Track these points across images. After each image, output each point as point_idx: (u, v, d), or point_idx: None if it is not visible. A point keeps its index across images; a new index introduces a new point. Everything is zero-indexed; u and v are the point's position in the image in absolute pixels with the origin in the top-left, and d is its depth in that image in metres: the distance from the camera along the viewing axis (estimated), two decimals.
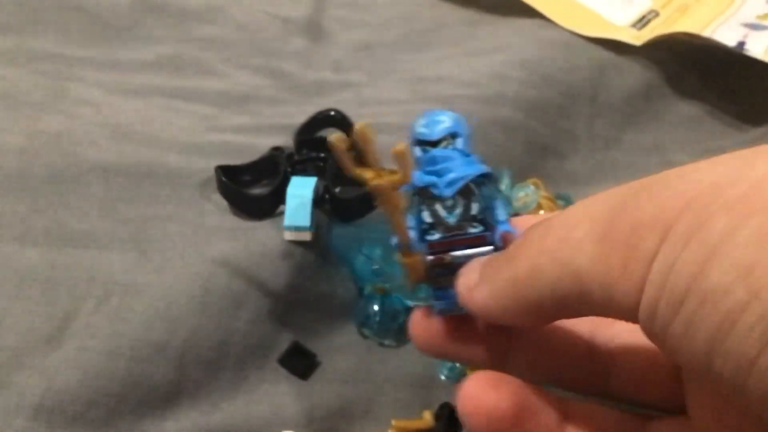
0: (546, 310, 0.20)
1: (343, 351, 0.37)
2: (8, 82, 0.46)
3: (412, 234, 0.23)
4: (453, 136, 0.23)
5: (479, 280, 0.21)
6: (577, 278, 0.18)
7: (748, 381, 0.15)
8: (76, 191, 0.39)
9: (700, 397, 0.21)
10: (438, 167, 0.22)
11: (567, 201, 0.43)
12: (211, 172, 0.40)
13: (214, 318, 0.35)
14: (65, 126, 0.42)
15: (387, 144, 0.45)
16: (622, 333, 0.24)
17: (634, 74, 0.53)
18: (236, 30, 0.54)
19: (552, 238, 0.19)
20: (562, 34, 0.54)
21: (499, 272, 0.21)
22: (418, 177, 0.22)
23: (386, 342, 0.37)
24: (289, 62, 0.52)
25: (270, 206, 0.39)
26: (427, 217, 0.23)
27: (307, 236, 0.37)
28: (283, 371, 0.35)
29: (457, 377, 0.35)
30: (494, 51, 0.53)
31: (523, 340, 0.24)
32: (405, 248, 0.22)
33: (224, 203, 0.39)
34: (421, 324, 0.24)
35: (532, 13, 0.56)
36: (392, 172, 0.19)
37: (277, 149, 0.41)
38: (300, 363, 0.35)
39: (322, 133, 0.44)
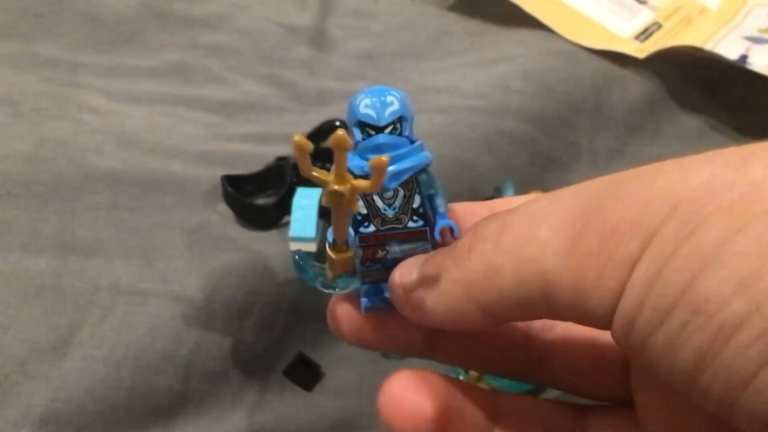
0: (501, 314, 0.18)
1: (347, 362, 0.37)
2: (14, 88, 0.46)
3: (351, 233, 0.20)
4: (400, 120, 0.20)
5: (418, 281, 0.19)
6: (543, 282, 0.16)
7: (738, 401, 0.14)
8: (82, 199, 0.39)
9: (651, 396, 0.20)
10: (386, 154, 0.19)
11: None
12: (217, 181, 0.40)
13: (219, 329, 0.35)
14: (71, 133, 0.42)
15: None
16: (560, 323, 0.23)
17: (637, 87, 0.53)
18: (242, 38, 0.54)
19: (512, 235, 0.17)
20: (566, 45, 0.55)
21: (445, 272, 0.19)
22: (357, 164, 0.20)
23: (390, 354, 0.37)
24: (294, 70, 0.52)
25: (275, 217, 0.39)
26: (362, 208, 0.20)
27: (312, 247, 0.37)
28: (287, 382, 0.35)
29: None
30: (498, 62, 0.53)
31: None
32: (340, 246, 0.20)
33: (229, 213, 0.39)
34: (344, 314, 0.22)
35: (535, 24, 0.57)
36: (359, 181, 0.17)
37: (282, 159, 0.42)
38: (304, 374, 0.36)
39: (327, 143, 0.45)
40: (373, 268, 0.21)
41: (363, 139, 0.20)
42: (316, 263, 0.21)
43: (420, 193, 0.21)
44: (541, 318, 0.18)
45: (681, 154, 0.16)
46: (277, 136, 0.45)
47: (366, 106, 0.20)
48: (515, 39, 0.56)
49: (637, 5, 0.60)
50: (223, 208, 0.39)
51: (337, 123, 0.44)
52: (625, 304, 0.15)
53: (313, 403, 0.35)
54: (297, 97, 0.50)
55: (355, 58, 0.55)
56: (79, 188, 0.39)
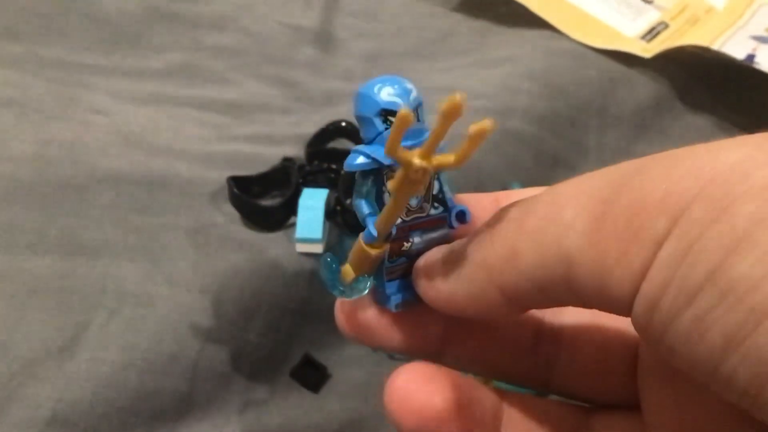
0: (522, 298, 0.18)
1: (354, 364, 0.37)
2: (19, 90, 0.46)
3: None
4: (419, 107, 0.20)
5: (442, 266, 0.19)
6: (565, 263, 0.16)
7: (764, 390, 0.14)
8: (87, 200, 0.39)
9: (659, 396, 0.20)
10: (409, 144, 0.19)
11: None
12: (223, 182, 0.40)
13: (226, 330, 0.35)
14: (77, 134, 0.42)
15: None
16: (570, 322, 0.22)
17: (644, 86, 0.53)
18: (247, 39, 0.54)
19: (535, 217, 0.17)
20: (572, 45, 0.54)
21: (467, 257, 0.18)
22: (382, 153, 0.18)
23: (397, 355, 0.37)
24: (300, 71, 0.52)
25: (281, 218, 0.39)
26: (388, 200, 0.19)
27: (318, 248, 0.37)
28: (294, 383, 0.35)
29: None
30: (504, 62, 0.53)
31: (462, 330, 0.22)
32: (382, 239, 0.19)
33: (236, 214, 0.39)
34: (350, 312, 0.21)
35: (541, 24, 0.56)
36: (443, 156, 0.16)
37: (288, 160, 0.41)
38: (311, 375, 0.35)
39: (333, 144, 0.44)
40: (399, 263, 0.20)
41: (386, 128, 0.19)
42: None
43: (438, 179, 0.20)
44: (561, 304, 0.18)
45: None
46: (282, 136, 0.45)
47: (389, 94, 0.19)
48: (521, 39, 0.56)
49: (643, 5, 0.60)
50: (229, 209, 0.39)
51: (343, 123, 0.44)
52: (649, 285, 0.15)
53: (319, 405, 0.35)
54: (302, 98, 0.50)
55: (361, 58, 0.55)
56: (84, 189, 0.39)
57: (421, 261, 0.20)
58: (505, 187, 0.44)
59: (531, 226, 0.17)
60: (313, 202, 0.38)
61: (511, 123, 0.47)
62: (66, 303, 0.34)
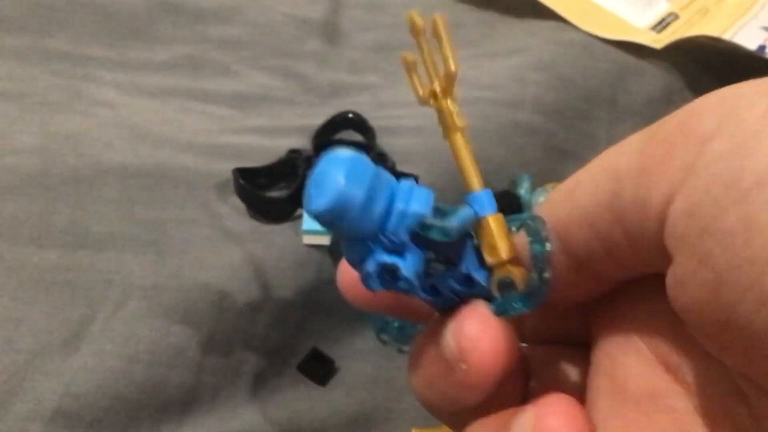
0: (575, 238, 0.17)
1: (361, 357, 0.36)
2: (24, 82, 0.45)
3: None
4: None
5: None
6: (614, 181, 0.16)
7: None
8: (93, 193, 0.38)
9: (615, 341, 0.19)
10: (415, 209, 0.16)
11: None
12: (229, 174, 0.40)
13: (232, 323, 0.34)
14: (82, 127, 0.42)
15: (404, 146, 0.44)
16: None
17: (654, 78, 0.52)
18: (253, 30, 0.53)
19: (596, 159, 0.17)
20: (581, 36, 0.54)
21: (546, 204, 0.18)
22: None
23: (405, 348, 0.36)
24: (306, 63, 0.52)
25: (288, 209, 0.39)
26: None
27: (325, 240, 0.37)
28: (301, 377, 0.35)
29: None
30: (512, 53, 0.52)
31: None
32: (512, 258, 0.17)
33: (242, 206, 0.39)
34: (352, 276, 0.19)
35: (550, 14, 0.56)
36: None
37: (294, 152, 0.41)
38: (318, 369, 0.35)
39: (340, 135, 0.44)
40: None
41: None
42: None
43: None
44: (609, 246, 0.17)
45: None
46: (288, 128, 0.45)
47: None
48: (530, 30, 0.55)
49: None
50: (236, 201, 0.39)
51: (350, 115, 0.44)
52: (694, 180, 0.14)
53: (327, 398, 0.35)
54: (309, 90, 0.50)
55: (367, 50, 0.54)
56: (90, 182, 0.39)
57: None
58: (514, 179, 0.43)
59: (591, 164, 0.17)
60: None
61: (520, 115, 0.47)
62: (71, 296, 0.34)
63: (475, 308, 0.18)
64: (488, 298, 0.18)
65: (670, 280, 0.15)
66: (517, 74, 0.49)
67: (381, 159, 0.41)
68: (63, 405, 0.31)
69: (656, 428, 0.17)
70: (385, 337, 0.37)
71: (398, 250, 0.16)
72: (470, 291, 0.18)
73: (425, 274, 0.17)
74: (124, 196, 0.39)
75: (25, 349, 0.32)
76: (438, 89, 0.16)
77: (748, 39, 0.54)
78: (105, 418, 0.31)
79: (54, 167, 0.39)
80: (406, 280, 0.16)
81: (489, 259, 0.17)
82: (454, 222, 0.16)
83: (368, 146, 0.42)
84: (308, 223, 0.37)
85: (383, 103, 0.48)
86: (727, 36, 0.54)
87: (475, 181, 0.17)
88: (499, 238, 0.17)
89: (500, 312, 0.17)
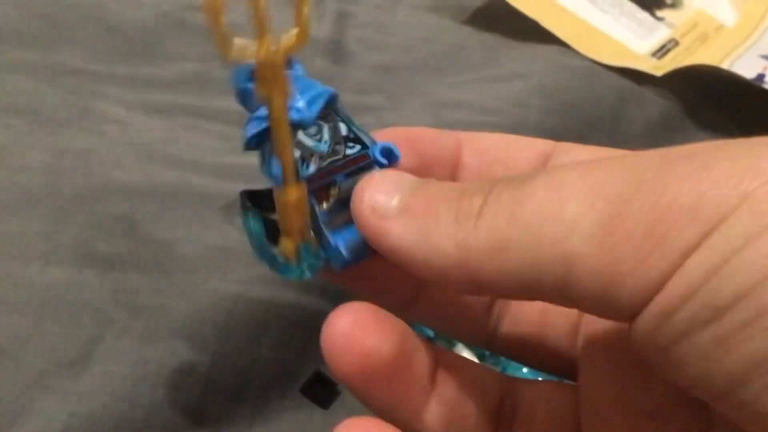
0: (495, 291, 0.16)
1: None
2: (33, 98, 0.46)
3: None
4: (289, 63, 0.19)
5: (400, 210, 0.17)
6: (563, 267, 0.14)
7: None
8: (101, 211, 0.39)
9: (599, 368, 0.19)
10: (305, 99, 0.19)
11: None
12: (235, 194, 0.40)
13: (237, 345, 0.35)
14: (90, 145, 0.42)
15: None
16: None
17: (654, 104, 0.53)
18: None
19: (531, 208, 0.15)
20: (583, 61, 0.55)
21: (441, 224, 0.16)
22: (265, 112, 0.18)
23: None
24: None
25: None
26: (294, 152, 0.19)
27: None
28: (304, 400, 0.35)
29: None
30: (515, 77, 0.53)
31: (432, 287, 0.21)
32: (290, 175, 0.18)
33: None
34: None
35: (553, 39, 0.56)
36: (285, 37, 0.15)
37: None
38: (321, 392, 0.35)
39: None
40: (337, 212, 0.19)
41: None
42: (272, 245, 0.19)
43: (344, 121, 0.20)
44: (537, 300, 0.16)
45: None
46: None
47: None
48: (532, 54, 0.56)
49: (654, 22, 0.60)
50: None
51: None
52: (666, 296, 0.14)
53: (330, 422, 0.35)
54: None
55: (372, 70, 0.55)
56: (98, 200, 0.39)
57: (366, 190, 0.18)
58: None
59: (525, 218, 0.15)
60: None
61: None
62: (79, 315, 0.34)
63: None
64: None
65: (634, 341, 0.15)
66: (520, 99, 0.50)
67: None
68: (70, 425, 0.31)
69: None
70: None
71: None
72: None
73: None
74: (131, 215, 0.39)
75: (32, 368, 0.33)
76: (279, 51, 0.16)
77: (747, 67, 0.55)
78: None
79: (63, 185, 0.39)
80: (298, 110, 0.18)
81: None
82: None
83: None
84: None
85: (387, 125, 0.48)
86: (726, 64, 0.55)
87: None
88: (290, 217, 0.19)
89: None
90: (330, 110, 0.20)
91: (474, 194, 0.17)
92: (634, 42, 0.58)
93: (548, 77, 0.52)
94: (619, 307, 0.14)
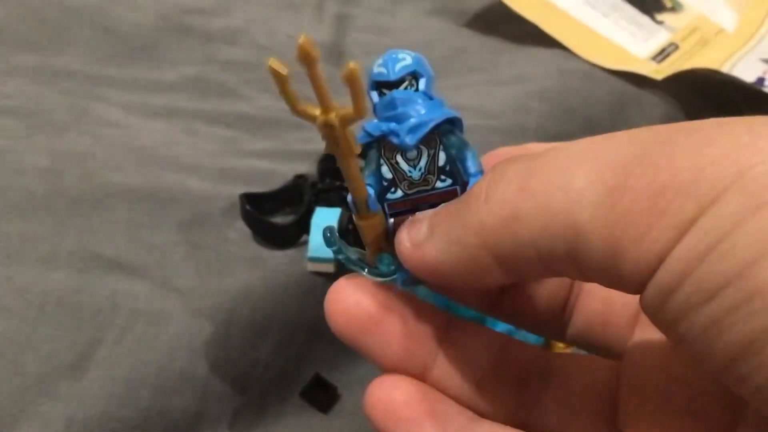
0: (519, 268, 0.16)
1: (363, 383, 0.36)
2: (32, 101, 0.46)
3: (371, 191, 0.19)
4: (414, 76, 0.19)
5: (429, 231, 0.18)
6: (572, 235, 0.15)
7: None
8: (100, 215, 0.39)
9: (648, 342, 0.20)
10: (398, 112, 0.19)
11: None
12: (235, 198, 0.40)
13: (237, 349, 0.35)
14: (89, 148, 0.42)
15: None
16: None
17: (654, 108, 0.53)
18: (259, 53, 0.54)
19: (540, 179, 0.15)
20: (583, 65, 0.55)
21: (459, 219, 0.17)
22: (375, 125, 0.19)
23: None
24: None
25: (294, 235, 0.39)
26: (386, 172, 0.19)
27: (330, 268, 0.37)
28: (304, 403, 0.35)
29: None
30: (515, 81, 0.53)
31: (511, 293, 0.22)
32: (362, 207, 0.19)
33: (248, 231, 0.39)
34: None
35: (553, 43, 0.57)
36: (344, 108, 0.16)
37: (300, 177, 0.42)
38: (321, 396, 0.35)
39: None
40: None
41: (379, 99, 0.19)
42: (353, 248, 0.20)
43: (445, 151, 0.19)
44: (560, 275, 0.16)
45: None
46: (294, 152, 0.45)
47: (378, 66, 0.19)
48: (533, 58, 0.56)
49: (654, 26, 0.60)
50: (242, 226, 0.39)
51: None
52: (666, 273, 0.14)
53: (329, 425, 0.35)
54: None
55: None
56: (97, 204, 0.39)
57: (404, 229, 0.19)
58: None
59: (535, 189, 0.15)
60: (325, 222, 0.38)
61: (523, 143, 0.47)
62: (78, 319, 0.34)
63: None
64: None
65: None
66: (520, 103, 0.50)
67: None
68: (69, 429, 0.31)
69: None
70: None
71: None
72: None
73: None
74: (131, 218, 0.39)
75: (31, 372, 0.32)
76: (336, 118, 0.16)
77: (748, 70, 0.55)
78: None
79: (62, 188, 0.39)
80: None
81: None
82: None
83: None
84: (313, 250, 0.37)
85: None
86: (726, 67, 0.55)
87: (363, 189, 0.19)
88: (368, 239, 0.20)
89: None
90: (435, 136, 0.19)
91: (483, 178, 0.17)
92: (634, 46, 0.58)
93: (549, 81, 0.52)
94: (626, 279, 0.15)
